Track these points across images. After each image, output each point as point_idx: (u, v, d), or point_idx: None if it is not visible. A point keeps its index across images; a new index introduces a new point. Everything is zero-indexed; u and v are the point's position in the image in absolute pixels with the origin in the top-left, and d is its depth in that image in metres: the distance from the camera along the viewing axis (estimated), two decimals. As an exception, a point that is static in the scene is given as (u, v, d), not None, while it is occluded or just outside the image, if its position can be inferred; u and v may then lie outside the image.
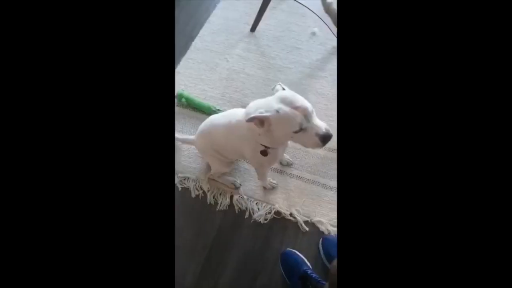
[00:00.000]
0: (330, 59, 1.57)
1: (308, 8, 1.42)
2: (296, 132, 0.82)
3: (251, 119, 0.82)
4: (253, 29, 1.67)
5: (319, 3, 1.33)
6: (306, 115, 0.81)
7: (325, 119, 0.92)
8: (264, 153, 0.94)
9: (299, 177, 1.23)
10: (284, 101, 0.82)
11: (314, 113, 0.84)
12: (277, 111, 0.81)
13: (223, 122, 1.02)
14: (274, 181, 1.20)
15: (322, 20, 1.38)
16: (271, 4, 1.55)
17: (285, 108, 0.81)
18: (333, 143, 0.96)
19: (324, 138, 0.82)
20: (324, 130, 0.82)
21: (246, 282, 1.05)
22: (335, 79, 1.44)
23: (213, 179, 1.22)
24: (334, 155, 1.26)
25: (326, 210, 1.15)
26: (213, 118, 1.09)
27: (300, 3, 1.43)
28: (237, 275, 1.07)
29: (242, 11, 1.75)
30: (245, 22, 1.70)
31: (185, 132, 1.34)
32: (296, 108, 0.81)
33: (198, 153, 1.25)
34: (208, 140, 1.10)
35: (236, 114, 0.96)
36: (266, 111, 0.81)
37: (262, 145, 0.92)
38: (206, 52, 1.60)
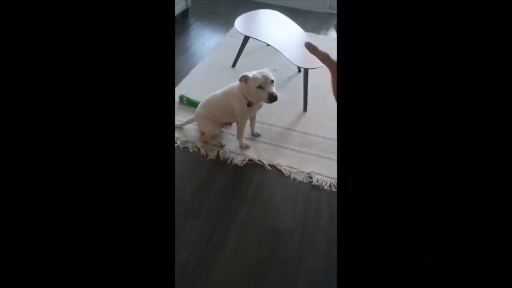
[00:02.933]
0: (286, 86, 2.30)
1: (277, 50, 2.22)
2: (258, 87, 1.48)
3: (241, 77, 1.49)
4: (233, 65, 2.43)
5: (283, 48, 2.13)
6: (267, 81, 1.48)
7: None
8: (249, 104, 1.57)
9: (264, 142, 1.81)
10: (260, 72, 1.51)
11: (274, 83, 1.51)
12: (253, 75, 1.48)
13: (220, 91, 1.68)
14: (247, 143, 1.77)
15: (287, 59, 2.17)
16: (248, 49, 2.35)
17: (257, 74, 1.49)
18: (286, 123, 1.61)
19: (271, 97, 1.48)
20: (273, 92, 1.48)
21: (228, 198, 1.52)
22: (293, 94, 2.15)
23: (205, 142, 1.77)
24: (289, 132, 1.88)
25: (283, 159, 1.72)
26: (211, 95, 1.72)
27: (274, 47, 2.23)
28: (221, 195, 1.54)
29: (227, 54, 2.54)
30: (228, 61, 2.46)
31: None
32: (262, 75, 1.48)
33: (196, 124, 1.82)
34: (206, 109, 1.70)
35: (229, 85, 1.63)
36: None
37: (247, 100, 1.55)
38: (201, 77, 2.30)
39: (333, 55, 0.49)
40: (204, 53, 2.57)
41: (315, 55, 0.50)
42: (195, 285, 1.20)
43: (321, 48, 0.49)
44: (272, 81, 1.51)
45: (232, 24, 2.26)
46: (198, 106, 1.76)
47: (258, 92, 1.51)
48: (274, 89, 1.50)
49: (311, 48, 0.51)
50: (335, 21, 3.18)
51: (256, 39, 2.14)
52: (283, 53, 1.95)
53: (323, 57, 0.50)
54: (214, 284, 1.21)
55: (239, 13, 2.37)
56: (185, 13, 3.01)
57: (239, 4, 3.18)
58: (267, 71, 1.53)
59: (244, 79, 1.52)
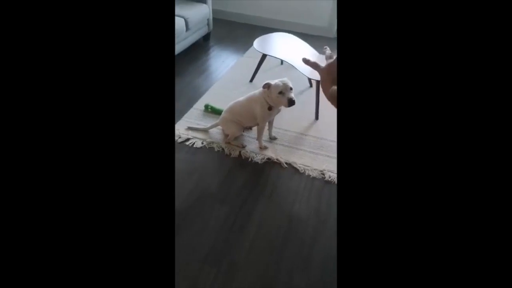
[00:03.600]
0: (298, 98, 2.54)
1: (294, 67, 2.48)
2: (279, 93, 1.71)
3: (264, 84, 1.74)
4: (251, 80, 2.70)
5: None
6: (287, 87, 1.72)
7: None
8: (269, 108, 1.80)
9: (281, 144, 2.02)
10: (281, 80, 1.75)
11: (292, 90, 1.75)
12: (275, 82, 1.72)
13: (243, 98, 1.93)
14: (266, 145, 1.98)
15: (304, 75, 2.43)
16: (264, 67, 2.62)
17: (278, 82, 1.73)
18: (300, 128, 1.84)
19: (290, 101, 1.71)
20: (292, 97, 1.71)
21: (249, 190, 1.71)
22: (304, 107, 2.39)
23: (228, 143, 1.98)
24: (302, 136, 2.08)
25: (297, 158, 1.91)
26: (234, 101, 1.96)
27: (290, 63, 2.50)
28: (243, 187, 1.73)
29: (245, 71, 2.82)
30: (246, 77, 2.73)
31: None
32: (283, 83, 1.72)
33: (220, 128, 2.04)
34: (230, 113, 1.93)
35: (251, 92, 1.89)
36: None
37: (268, 105, 1.78)
38: (222, 90, 2.57)
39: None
40: (223, 70, 2.86)
41: (308, 65, 0.65)
42: (221, 261, 1.36)
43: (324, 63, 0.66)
44: (291, 88, 1.75)
45: (248, 47, 2.53)
46: (223, 111, 2.00)
47: (279, 97, 1.74)
48: (292, 95, 1.73)
49: (305, 61, 0.65)
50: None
51: (272, 56, 2.41)
52: (296, 67, 2.20)
53: (313, 65, 0.63)
54: (237, 261, 1.37)
55: (254, 37, 2.67)
56: (206, 36, 3.36)
57: (254, 30, 3.53)
58: (286, 80, 1.77)
59: (267, 86, 1.77)
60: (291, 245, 1.45)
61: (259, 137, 1.95)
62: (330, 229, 1.53)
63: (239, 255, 1.39)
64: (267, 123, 1.95)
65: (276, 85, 1.74)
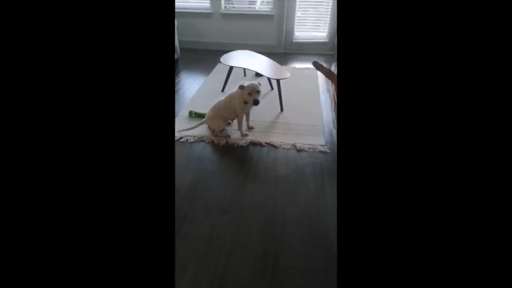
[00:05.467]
0: (265, 98, 3.08)
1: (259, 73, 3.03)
2: (248, 94, 2.23)
3: (239, 86, 2.23)
4: (222, 90, 3.20)
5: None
6: (254, 90, 2.25)
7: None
8: (245, 102, 2.29)
9: (258, 131, 2.51)
10: (251, 83, 2.27)
11: (260, 93, 2.27)
12: (247, 84, 2.24)
13: (224, 97, 2.40)
14: (247, 132, 2.45)
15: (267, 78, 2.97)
16: (232, 78, 3.14)
17: (249, 84, 2.25)
18: (271, 118, 2.38)
19: (255, 101, 2.23)
20: (257, 99, 2.23)
21: (240, 165, 2.14)
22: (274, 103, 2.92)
23: (216, 135, 2.42)
24: (273, 124, 2.59)
25: (273, 138, 2.41)
26: (216, 101, 2.43)
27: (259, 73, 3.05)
28: (234, 163, 2.16)
29: (215, 84, 3.31)
30: (217, 88, 3.23)
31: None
32: (252, 86, 2.24)
33: (207, 124, 2.48)
34: (215, 111, 2.39)
35: (230, 92, 2.36)
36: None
37: (243, 100, 2.27)
38: (199, 100, 3.03)
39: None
40: (196, 87, 3.33)
41: (321, 71, 0.87)
42: (231, 209, 1.76)
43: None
44: (258, 91, 2.26)
45: (213, 67, 3.01)
46: (208, 111, 2.45)
47: (248, 97, 2.25)
48: (258, 97, 2.26)
49: (318, 66, 0.85)
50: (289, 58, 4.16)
51: (238, 67, 2.95)
52: (259, 71, 2.75)
53: (328, 73, 0.81)
54: (244, 207, 1.78)
55: (217, 59, 3.21)
56: (176, 62, 3.84)
57: (215, 54, 4.08)
58: (256, 84, 2.28)
59: (240, 87, 2.27)
60: (281, 191, 1.90)
61: (240, 127, 2.42)
62: (306, 180, 2.01)
63: (245, 200, 1.80)
64: (244, 116, 2.44)
65: (247, 87, 2.26)
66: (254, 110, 2.53)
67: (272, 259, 1.49)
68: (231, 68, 3.04)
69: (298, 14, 4.21)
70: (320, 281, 1.39)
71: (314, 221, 1.71)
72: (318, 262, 1.48)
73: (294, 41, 4.37)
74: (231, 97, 2.37)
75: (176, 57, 3.80)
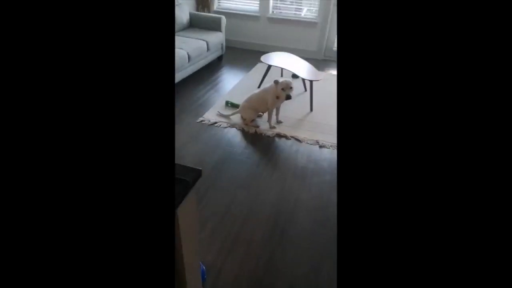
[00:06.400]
0: (297, 99, 3.28)
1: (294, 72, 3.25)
2: (281, 89, 2.45)
3: (274, 80, 2.47)
4: (259, 86, 3.44)
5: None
6: (288, 86, 2.46)
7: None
8: (277, 97, 2.51)
9: (285, 126, 2.71)
10: (285, 80, 2.49)
11: (293, 89, 2.48)
12: (281, 81, 2.47)
13: (258, 90, 2.64)
14: (275, 125, 2.66)
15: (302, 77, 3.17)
16: (269, 77, 3.38)
17: (283, 80, 2.47)
18: (300, 116, 2.58)
19: (287, 96, 2.44)
20: (289, 94, 2.44)
21: (265, 153, 2.35)
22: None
23: (246, 124, 2.66)
24: (301, 121, 2.78)
25: (298, 134, 2.59)
26: (251, 93, 2.67)
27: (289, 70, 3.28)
28: (260, 151, 2.38)
29: (253, 81, 3.57)
30: (254, 84, 3.48)
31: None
32: (286, 82, 2.46)
33: (240, 114, 2.73)
34: (249, 102, 2.64)
35: (266, 86, 2.60)
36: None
37: (276, 94, 2.50)
38: (237, 92, 3.30)
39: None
40: (236, 81, 3.62)
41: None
42: (250, 186, 1.98)
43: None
44: (291, 88, 2.47)
45: (253, 66, 3.26)
46: (243, 101, 2.70)
47: (281, 92, 2.46)
48: (290, 92, 2.46)
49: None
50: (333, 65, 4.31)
51: (276, 66, 3.18)
52: (294, 72, 2.96)
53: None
54: (262, 185, 1.99)
55: (258, 59, 3.45)
56: (220, 58, 4.18)
57: (257, 54, 4.36)
58: (289, 80, 2.49)
59: (276, 82, 2.50)
60: (297, 178, 2.08)
61: (269, 119, 2.63)
62: (322, 172, 2.17)
63: (264, 181, 2.01)
64: (274, 110, 2.66)
65: (281, 83, 2.47)
66: (285, 107, 2.74)
67: (281, 229, 1.68)
68: (269, 67, 3.28)
69: (341, 24, 4.35)
70: (321, 250, 1.55)
71: (323, 206, 1.87)
72: (322, 238, 1.64)
73: (334, 49, 4.51)
74: (265, 91, 2.60)
75: (220, 54, 4.13)
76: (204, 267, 1.40)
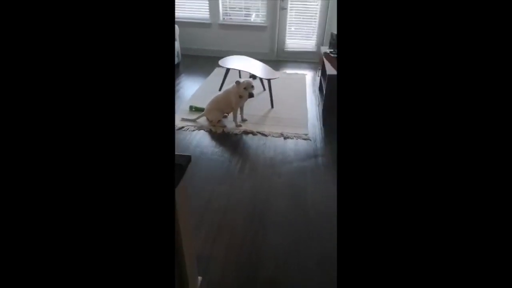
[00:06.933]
0: (257, 98, 3.46)
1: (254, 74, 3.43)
2: (244, 88, 2.62)
3: (236, 81, 2.62)
4: (220, 89, 3.57)
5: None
6: (249, 85, 2.64)
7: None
8: (240, 96, 2.66)
9: (250, 123, 2.87)
10: (246, 80, 2.66)
11: (254, 88, 2.66)
12: (242, 81, 2.63)
13: (222, 92, 2.78)
14: (241, 123, 2.81)
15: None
16: (228, 80, 3.53)
17: (244, 80, 2.64)
18: (262, 113, 2.77)
19: (250, 95, 2.64)
20: (252, 93, 2.63)
21: (234, 148, 2.49)
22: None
23: (213, 125, 2.78)
24: (264, 117, 2.96)
25: (263, 129, 2.77)
26: (215, 96, 2.79)
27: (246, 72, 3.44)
28: (230, 148, 2.51)
29: (213, 84, 3.69)
30: (215, 87, 3.60)
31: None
32: (247, 82, 2.64)
33: (206, 115, 2.84)
34: (213, 104, 2.76)
35: (228, 88, 2.74)
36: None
37: (239, 94, 2.65)
38: (198, 97, 3.40)
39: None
40: (196, 87, 3.71)
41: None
42: (224, 182, 2.10)
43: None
44: (253, 86, 2.65)
45: (211, 71, 3.40)
46: (207, 104, 2.81)
47: (243, 91, 2.63)
48: (252, 90, 2.64)
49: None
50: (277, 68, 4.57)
51: (234, 69, 3.34)
52: (253, 72, 3.14)
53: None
54: (236, 180, 2.12)
55: (214, 64, 3.61)
56: (177, 65, 4.23)
57: (213, 60, 4.50)
58: (250, 80, 2.67)
59: (237, 82, 2.65)
60: (268, 168, 2.25)
61: (234, 118, 2.78)
62: (289, 160, 2.37)
63: (238, 174, 2.14)
64: (239, 109, 2.81)
65: (243, 83, 2.64)
66: (248, 106, 2.91)
67: (259, 213, 1.83)
68: (227, 70, 3.43)
69: (289, 26, 4.66)
70: (298, 227, 1.73)
71: (294, 189, 2.06)
72: (296, 216, 1.82)
73: (285, 49, 4.81)
74: (227, 92, 2.74)
75: (177, 61, 4.18)
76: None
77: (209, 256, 1.57)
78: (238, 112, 2.83)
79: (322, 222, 1.79)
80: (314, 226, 1.76)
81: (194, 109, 3.09)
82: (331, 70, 3.00)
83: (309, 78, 4.16)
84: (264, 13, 4.59)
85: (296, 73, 4.27)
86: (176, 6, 4.69)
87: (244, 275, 1.47)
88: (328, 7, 4.38)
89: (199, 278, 1.31)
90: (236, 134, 2.70)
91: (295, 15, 4.59)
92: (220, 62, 3.44)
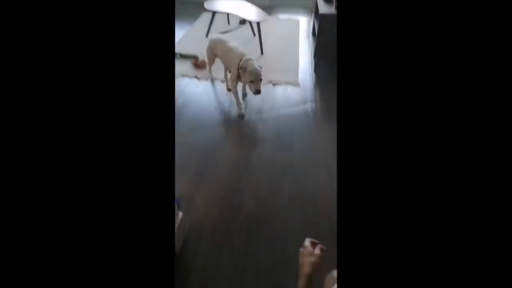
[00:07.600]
0: (248, 43, 3.28)
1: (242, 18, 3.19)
2: (250, 81, 1.99)
3: (241, 67, 2.00)
4: (207, 36, 3.37)
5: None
6: (257, 78, 1.98)
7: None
8: (238, 77, 2.14)
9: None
10: (255, 69, 1.95)
11: (261, 81, 2.02)
12: (250, 69, 1.95)
13: (232, 45, 2.20)
14: (243, 112, 2.53)
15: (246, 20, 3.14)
16: (216, 27, 3.30)
17: (254, 70, 1.94)
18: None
19: (256, 91, 1.99)
20: (259, 89, 1.97)
21: (214, 103, 2.41)
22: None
23: (200, 65, 2.65)
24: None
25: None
26: (231, 43, 2.23)
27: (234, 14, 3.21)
28: (208, 99, 2.43)
29: (200, 31, 3.47)
30: (202, 34, 3.40)
31: (181, 65, 2.80)
32: (257, 73, 1.96)
33: (207, 50, 2.70)
34: (212, 47, 2.54)
35: (240, 51, 2.12)
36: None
37: (239, 73, 2.09)
38: (185, 43, 3.21)
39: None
40: (181, 33, 3.49)
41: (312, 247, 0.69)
42: (213, 127, 2.06)
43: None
44: (261, 79, 1.99)
45: (197, 17, 3.12)
46: (210, 41, 2.39)
47: (249, 84, 2.01)
48: (260, 86, 1.99)
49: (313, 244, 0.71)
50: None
51: (221, 12, 3.11)
52: (240, 15, 2.93)
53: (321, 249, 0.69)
54: (225, 121, 2.08)
55: (202, 7, 3.31)
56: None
57: (200, 3, 4.19)
58: (260, 70, 1.99)
59: (243, 68, 2.00)
60: (255, 115, 2.20)
61: (237, 103, 2.24)
62: (277, 104, 2.31)
63: (226, 120, 2.10)
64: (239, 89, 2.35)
65: (251, 73, 1.96)
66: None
67: (243, 159, 1.82)
68: (213, 13, 3.19)
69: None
70: (280, 169, 1.73)
71: (279, 135, 2.03)
72: (280, 159, 1.81)
73: (278, -8, 4.46)
74: (234, 54, 2.14)
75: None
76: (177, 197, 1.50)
77: (193, 196, 1.58)
78: (239, 88, 2.33)
79: (307, 165, 1.79)
80: (298, 170, 1.76)
81: (179, 56, 2.93)
82: (323, 8, 2.80)
83: (303, 23, 3.92)
84: (255, -50, 4.17)
85: (290, 18, 4.01)
86: None
87: (227, 213, 1.50)
88: None
89: (180, 213, 1.32)
90: (222, 82, 2.60)
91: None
92: (206, 4, 3.19)
